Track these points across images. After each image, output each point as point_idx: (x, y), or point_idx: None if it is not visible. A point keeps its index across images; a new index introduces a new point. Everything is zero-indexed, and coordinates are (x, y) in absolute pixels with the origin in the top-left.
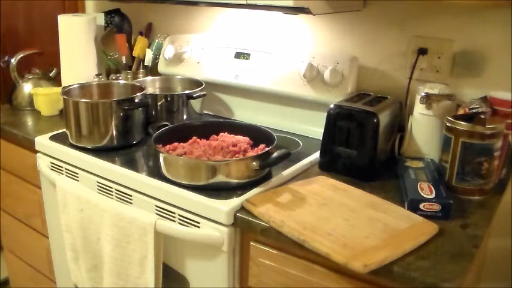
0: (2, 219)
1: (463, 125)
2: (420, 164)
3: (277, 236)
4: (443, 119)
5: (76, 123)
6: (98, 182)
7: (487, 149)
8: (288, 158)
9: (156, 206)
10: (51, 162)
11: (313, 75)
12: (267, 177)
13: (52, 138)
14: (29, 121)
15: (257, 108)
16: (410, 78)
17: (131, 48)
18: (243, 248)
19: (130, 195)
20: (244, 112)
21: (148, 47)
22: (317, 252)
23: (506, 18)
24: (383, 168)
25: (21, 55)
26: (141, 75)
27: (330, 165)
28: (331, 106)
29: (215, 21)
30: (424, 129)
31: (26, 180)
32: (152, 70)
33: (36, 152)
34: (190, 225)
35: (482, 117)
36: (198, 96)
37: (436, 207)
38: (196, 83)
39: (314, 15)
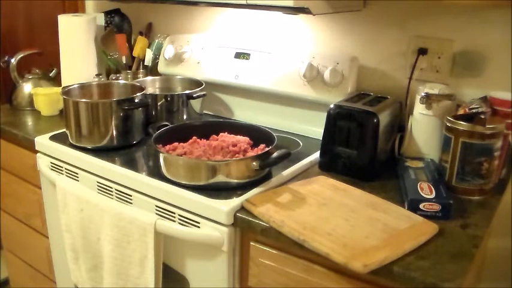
0: (2, 219)
1: (463, 125)
2: (420, 164)
3: (277, 236)
4: (443, 119)
5: (76, 123)
6: (98, 182)
7: (487, 149)
8: (288, 158)
9: (156, 206)
10: (51, 162)
11: (313, 75)
12: (267, 177)
13: (52, 138)
14: (29, 121)
15: (257, 108)
16: (410, 78)
17: (131, 48)
18: (243, 248)
19: (130, 195)
20: (244, 112)
21: (148, 47)
22: (317, 252)
23: (506, 18)
24: (383, 168)
25: (21, 55)
26: (141, 75)
27: (330, 165)
28: (331, 106)
29: (215, 21)
30: (424, 129)
31: (26, 180)
32: (152, 70)
33: (36, 152)
34: (190, 225)
35: (482, 117)
36: (198, 96)
37: (436, 207)
38: (196, 83)
39: (314, 15)
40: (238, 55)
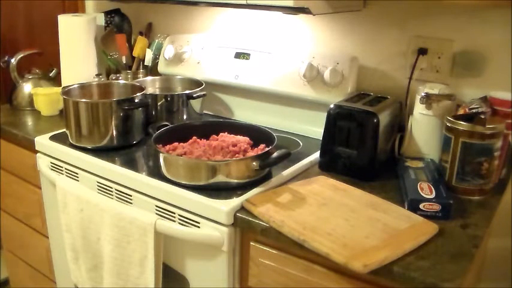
0: (2, 219)
1: (463, 125)
2: (420, 164)
3: (277, 236)
4: (443, 119)
5: (76, 123)
6: (98, 182)
7: (487, 149)
8: (288, 158)
9: (156, 206)
10: (51, 162)
11: (313, 75)
12: (267, 177)
13: (52, 138)
14: (29, 121)
15: (257, 108)
16: (410, 78)
17: (131, 48)
18: (243, 248)
19: (130, 195)
20: (244, 112)
21: (148, 47)
22: (317, 252)
23: (506, 18)
24: (383, 168)
25: (21, 55)
26: (141, 75)
27: (330, 165)
28: (331, 106)
29: (215, 21)
30: (424, 129)
31: (26, 180)
32: (152, 70)
33: (36, 152)
34: (190, 225)
35: (482, 117)
36: (198, 96)
37: (436, 207)
38: (196, 83)
39: (314, 15)
40: (238, 55)
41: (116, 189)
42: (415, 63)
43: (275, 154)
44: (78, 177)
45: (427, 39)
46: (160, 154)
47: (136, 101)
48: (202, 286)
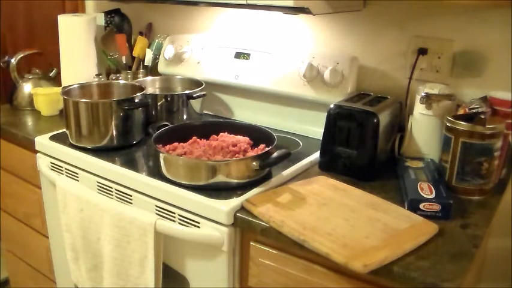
0: (2, 219)
1: (463, 125)
2: (420, 164)
3: (277, 236)
4: (443, 119)
5: (76, 123)
6: (98, 182)
7: (487, 149)
8: (288, 158)
9: (156, 206)
10: (51, 162)
11: (313, 75)
12: (267, 177)
13: (52, 138)
14: (29, 121)
15: (257, 108)
16: (410, 78)
17: (131, 48)
18: (243, 248)
19: (130, 195)
20: (244, 112)
21: (148, 47)
22: (317, 252)
23: (506, 18)
24: (383, 168)
25: (21, 55)
26: (141, 75)
27: (330, 165)
28: (331, 106)
29: (215, 21)
30: (424, 129)
31: (26, 180)
32: (152, 70)
33: (36, 152)
34: (190, 225)
35: (482, 117)
36: (198, 96)
37: (436, 207)
38: (196, 83)
39: (314, 15)
40: (238, 55)
41: (116, 189)
42: (415, 63)
43: (275, 154)
44: (78, 177)
45: (427, 39)
46: (160, 154)
47: (136, 101)
48: (202, 286)
